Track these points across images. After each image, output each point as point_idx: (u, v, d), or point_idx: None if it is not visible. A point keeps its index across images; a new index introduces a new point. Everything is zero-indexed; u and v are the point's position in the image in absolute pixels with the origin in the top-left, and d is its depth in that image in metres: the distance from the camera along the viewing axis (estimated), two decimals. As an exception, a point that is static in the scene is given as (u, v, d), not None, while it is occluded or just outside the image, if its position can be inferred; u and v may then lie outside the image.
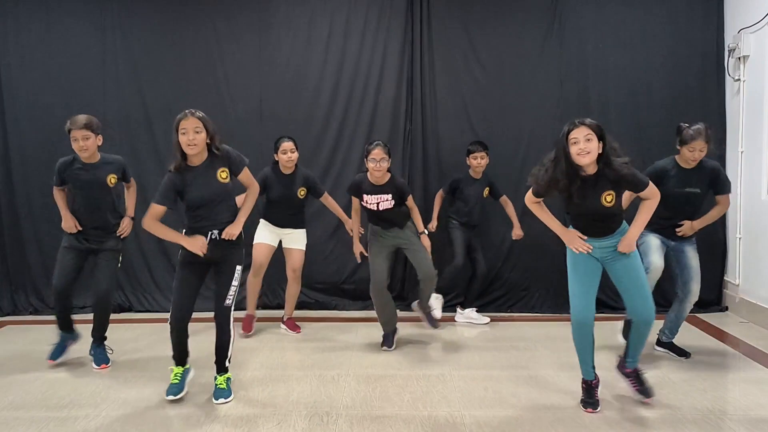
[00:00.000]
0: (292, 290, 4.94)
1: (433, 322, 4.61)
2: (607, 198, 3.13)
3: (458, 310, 5.23)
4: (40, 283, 5.72)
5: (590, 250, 3.23)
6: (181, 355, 3.53)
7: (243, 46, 5.67)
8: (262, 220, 4.85)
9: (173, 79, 5.65)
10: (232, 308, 3.49)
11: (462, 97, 5.63)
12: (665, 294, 4.89)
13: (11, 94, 5.64)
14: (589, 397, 3.34)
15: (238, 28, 5.66)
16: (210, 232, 3.40)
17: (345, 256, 5.72)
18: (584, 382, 3.37)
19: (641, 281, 3.25)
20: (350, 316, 5.46)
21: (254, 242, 4.79)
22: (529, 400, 3.45)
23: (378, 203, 4.29)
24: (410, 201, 4.43)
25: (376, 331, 4.68)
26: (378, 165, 4.18)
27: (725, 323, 5.10)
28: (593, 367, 3.35)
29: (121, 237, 4.12)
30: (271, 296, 5.70)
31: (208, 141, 3.35)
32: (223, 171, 3.41)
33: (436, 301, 4.95)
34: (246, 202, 3.56)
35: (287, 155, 4.66)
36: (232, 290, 3.46)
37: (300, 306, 5.19)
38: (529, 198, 3.33)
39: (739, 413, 3.25)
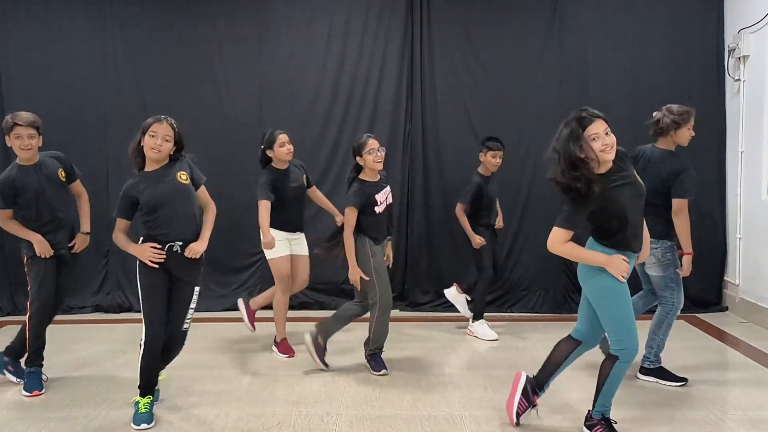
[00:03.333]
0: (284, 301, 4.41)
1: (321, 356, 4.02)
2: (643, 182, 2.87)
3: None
4: (40, 283, 5.71)
5: (628, 272, 2.80)
6: (152, 384, 3.24)
7: (243, 46, 5.67)
8: (272, 230, 4.27)
9: (173, 79, 5.65)
10: (187, 333, 3.29)
11: (462, 97, 5.63)
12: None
13: (11, 94, 5.64)
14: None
15: (238, 28, 5.66)
16: (171, 244, 3.15)
17: (345, 256, 5.71)
18: (605, 420, 2.92)
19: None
20: (350, 316, 5.45)
21: (273, 257, 4.27)
22: (529, 400, 3.44)
23: (386, 197, 3.98)
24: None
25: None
26: (378, 154, 3.88)
27: (725, 323, 5.10)
28: None
29: (72, 252, 3.79)
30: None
31: (171, 153, 3.21)
32: (182, 173, 3.20)
33: (482, 327, 4.74)
34: (207, 218, 3.31)
35: (287, 147, 4.27)
36: (190, 313, 3.24)
37: (300, 306, 5.19)
38: (559, 242, 2.78)
39: (739, 413, 3.25)
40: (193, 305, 3.24)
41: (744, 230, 5.31)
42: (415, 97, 5.65)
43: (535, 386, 3.07)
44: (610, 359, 2.85)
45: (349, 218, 3.83)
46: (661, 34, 5.55)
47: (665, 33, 5.56)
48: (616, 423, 2.93)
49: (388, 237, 4.11)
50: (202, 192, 3.33)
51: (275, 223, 4.24)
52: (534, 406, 3.07)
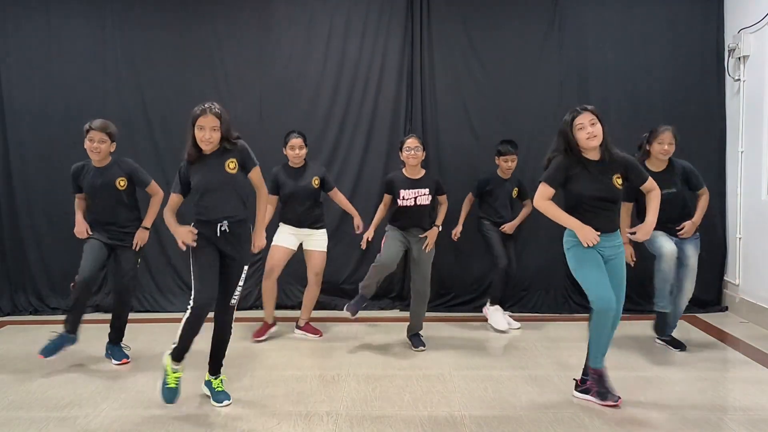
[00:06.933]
0: (312, 293, 4.83)
1: (419, 344, 4.42)
2: (618, 181, 3.31)
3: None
4: (40, 283, 5.72)
5: (598, 241, 3.26)
6: (185, 349, 3.29)
7: (243, 45, 5.67)
8: (281, 224, 4.74)
9: (173, 79, 5.64)
10: (236, 308, 3.46)
11: (462, 97, 5.63)
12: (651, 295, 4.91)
13: (11, 95, 5.64)
14: (604, 387, 3.33)
15: (238, 28, 5.66)
16: (219, 224, 3.33)
17: (345, 256, 5.72)
18: (595, 372, 3.35)
19: (623, 281, 3.40)
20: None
21: (272, 244, 4.66)
22: (529, 400, 3.45)
23: (416, 197, 4.31)
24: (444, 198, 4.55)
25: (376, 331, 4.67)
26: (413, 153, 4.28)
27: (725, 323, 5.10)
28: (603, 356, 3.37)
29: (136, 249, 4.09)
30: (283, 296, 5.67)
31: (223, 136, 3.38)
32: (231, 161, 3.37)
33: (496, 313, 4.98)
34: (259, 207, 3.55)
35: (295, 152, 4.63)
36: (239, 290, 3.44)
37: (300, 306, 5.18)
38: (541, 196, 3.32)
39: (739, 413, 3.25)
40: (241, 282, 3.44)
41: (744, 230, 5.31)
42: (415, 97, 5.65)
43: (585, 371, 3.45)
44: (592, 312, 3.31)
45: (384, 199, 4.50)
46: (661, 34, 5.55)
47: (665, 33, 5.56)
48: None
49: (437, 225, 4.48)
50: (254, 174, 3.50)
51: (281, 217, 4.72)
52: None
